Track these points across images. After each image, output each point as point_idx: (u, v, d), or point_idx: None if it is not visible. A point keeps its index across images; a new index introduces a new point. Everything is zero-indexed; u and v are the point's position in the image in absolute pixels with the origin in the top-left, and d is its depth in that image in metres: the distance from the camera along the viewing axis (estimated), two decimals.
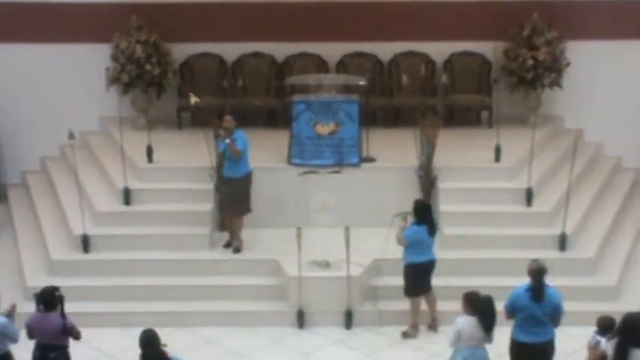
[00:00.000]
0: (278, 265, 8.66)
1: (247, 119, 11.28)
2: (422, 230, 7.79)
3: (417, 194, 9.02)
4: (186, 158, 9.74)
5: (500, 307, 6.85)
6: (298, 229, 8.27)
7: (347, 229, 8.18)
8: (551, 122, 11.01)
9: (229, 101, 10.89)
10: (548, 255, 8.49)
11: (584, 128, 10.49)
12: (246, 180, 8.87)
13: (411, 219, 7.91)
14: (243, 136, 8.82)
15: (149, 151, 9.63)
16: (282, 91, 11.01)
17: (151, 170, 9.54)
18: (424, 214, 7.81)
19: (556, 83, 10.72)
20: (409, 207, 8.04)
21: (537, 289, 6.68)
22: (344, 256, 8.23)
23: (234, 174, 8.78)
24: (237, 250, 8.86)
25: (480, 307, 6.59)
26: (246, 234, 9.16)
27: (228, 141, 8.62)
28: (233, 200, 8.76)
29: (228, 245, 8.95)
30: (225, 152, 8.75)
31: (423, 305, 8.14)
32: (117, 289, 8.60)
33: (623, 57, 10.91)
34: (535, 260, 6.83)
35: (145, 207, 9.24)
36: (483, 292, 8.03)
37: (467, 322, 6.61)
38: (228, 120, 8.75)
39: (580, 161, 9.82)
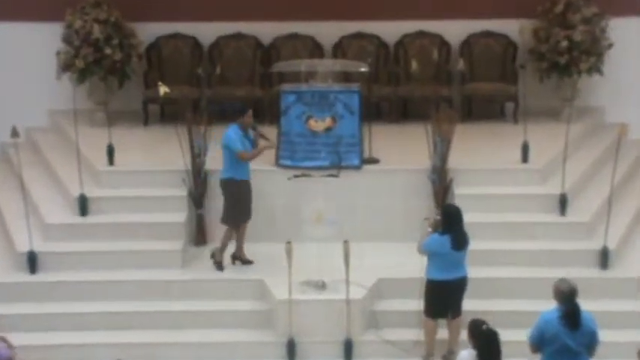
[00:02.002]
0: (264, 287, 8.79)
1: (227, 113, 11.48)
2: (444, 241, 7.88)
3: (429, 201, 9.18)
4: (155, 160, 9.88)
5: (521, 336, 6.96)
6: (288, 243, 8.40)
7: (346, 243, 8.32)
8: (590, 115, 11.20)
9: (206, 92, 11.03)
10: (586, 273, 8.67)
11: (630, 122, 10.59)
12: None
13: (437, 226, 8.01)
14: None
15: (110, 152, 9.76)
16: (268, 80, 11.18)
17: (113, 174, 9.68)
18: (451, 221, 7.91)
19: (595, 69, 10.90)
20: (420, 216, 8.17)
21: (572, 314, 6.75)
22: (343, 276, 8.36)
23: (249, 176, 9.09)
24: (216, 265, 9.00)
25: (477, 340, 6.63)
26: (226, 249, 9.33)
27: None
28: (251, 203, 9.09)
29: (242, 260, 9.09)
30: (253, 147, 8.95)
31: (440, 334, 8.24)
32: (71, 317, 8.69)
33: None
34: (563, 280, 6.93)
35: (105, 218, 9.36)
36: (508, 319, 8.29)
37: (468, 357, 6.61)
38: (251, 115, 8.94)
39: (624, 162, 9.98)
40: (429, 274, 8.00)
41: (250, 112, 8.94)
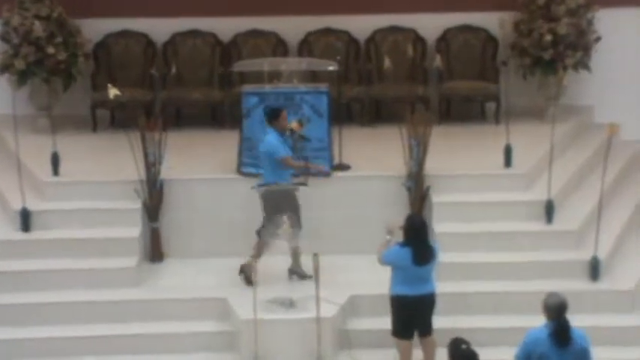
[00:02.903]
0: (227, 306, 8.79)
1: (184, 117, 11.50)
2: (404, 254, 7.91)
3: (404, 210, 9.24)
4: (105, 169, 9.86)
5: (507, 356, 7.03)
6: (252, 258, 8.41)
7: (316, 257, 8.34)
8: (577, 115, 11.32)
9: (160, 94, 11.03)
10: (575, 286, 8.77)
11: (620, 122, 10.72)
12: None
13: (395, 236, 8.06)
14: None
15: (54, 161, 9.73)
16: (228, 81, 11.20)
17: (58, 186, 9.65)
18: (413, 234, 7.94)
19: (582, 64, 11.03)
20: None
21: (561, 331, 6.81)
22: (312, 292, 8.40)
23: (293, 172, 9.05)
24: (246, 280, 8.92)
25: None
26: (185, 265, 9.32)
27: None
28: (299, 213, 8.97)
29: (302, 276, 8.96)
30: (293, 153, 8.96)
31: (419, 354, 8.31)
32: (12, 344, 8.62)
33: None
34: (552, 294, 6.97)
35: (50, 234, 9.33)
36: (492, 336, 8.36)
37: None
38: (286, 116, 8.92)
39: (614, 164, 10.10)
40: (391, 288, 8.05)
41: (284, 113, 8.89)
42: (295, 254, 8.99)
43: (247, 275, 8.88)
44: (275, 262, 8.73)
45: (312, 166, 8.94)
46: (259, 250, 8.91)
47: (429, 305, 8.06)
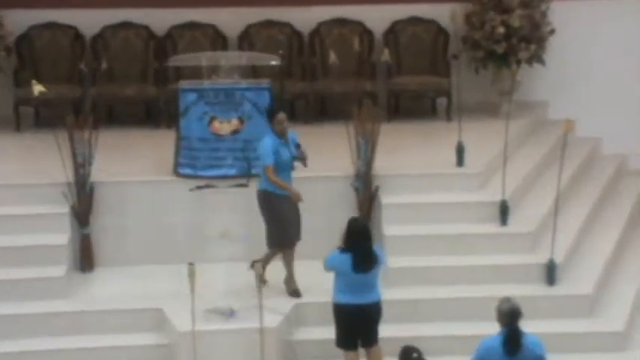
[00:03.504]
0: (163, 317, 8.76)
1: (116, 115, 11.41)
2: (344, 260, 7.88)
3: (352, 212, 9.25)
4: (30, 171, 9.76)
5: None
6: (190, 265, 8.37)
7: (258, 263, 8.34)
8: (531, 111, 11.47)
9: (90, 91, 10.94)
10: (531, 291, 8.86)
11: (577, 118, 10.90)
12: None
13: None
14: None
15: None
16: (163, 77, 11.15)
17: None
18: (353, 239, 7.90)
19: (537, 58, 11.16)
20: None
21: (511, 338, 6.88)
22: (255, 301, 8.39)
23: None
24: (295, 294, 8.86)
25: None
26: (118, 274, 9.26)
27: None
28: (299, 220, 8.83)
29: (296, 293, 8.92)
30: (293, 160, 8.81)
31: None
32: None
33: (626, 20, 11.43)
34: (505, 300, 7.02)
35: None
36: (445, 345, 8.42)
37: None
38: (285, 119, 8.75)
39: (571, 162, 10.26)
40: (333, 296, 8.05)
41: (280, 116, 8.72)
42: (289, 268, 8.95)
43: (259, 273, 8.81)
44: (214, 269, 8.69)
45: (291, 190, 8.66)
46: (267, 258, 8.91)
47: (374, 315, 8.03)
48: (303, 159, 8.87)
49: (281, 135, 8.76)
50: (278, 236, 8.82)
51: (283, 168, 8.76)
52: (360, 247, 7.83)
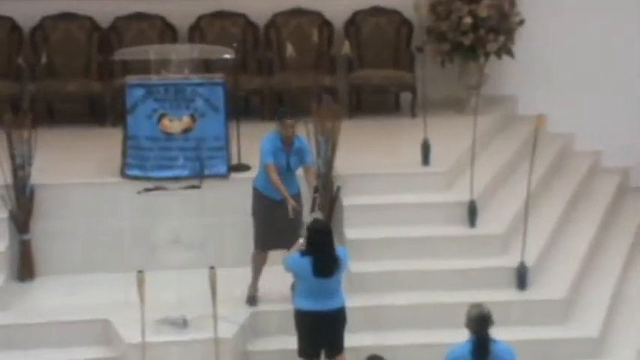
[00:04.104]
0: (110, 328, 8.71)
1: (57, 112, 11.33)
2: (304, 264, 7.88)
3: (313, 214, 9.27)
4: None
5: None
6: (139, 273, 8.34)
7: (212, 270, 8.31)
8: (500, 106, 11.54)
9: (29, 87, 10.85)
10: (501, 296, 8.91)
11: (548, 113, 10.98)
12: (301, 195, 8.90)
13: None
14: (305, 139, 8.85)
15: None
16: (109, 71, 11.09)
17: None
18: (314, 241, 7.89)
19: (505, 50, 11.23)
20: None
21: (479, 346, 6.91)
22: (209, 310, 8.37)
23: (295, 189, 8.77)
24: (250, 301, 8.84)
25: None
26: (60, 283, 9.18)
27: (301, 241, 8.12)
28: (294, 227, 8.65)
29: (256, 300, 8.88)
30: (291, 164, 8.71)
31: None
32: None
33: (599, 9, 11.49)
34: (475, 305, 7.06)
35: None
36: (412, 354, 8.45)
37: None
38: (292, 125, 8.62)
39: (542, 160, 10.32)
40: (294, 301, 8.07)
41: (287, 123, 8.57)
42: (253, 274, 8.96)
43: (249, 294, 8.88)
44: (164, 276, 8.66)
45: (288, 200, 8.53)
46: (254, 267, 8.87)
47: (337, 322, 8.04)
48: (313, 205, 8.60)
49: (285, 141, 8.67)
50: (254, 236, 8.84)
51: (278, 173, 8.68)
52: (320, 250, 7.83)
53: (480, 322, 6.93)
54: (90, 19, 11.30)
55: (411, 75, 11.22)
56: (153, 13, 11.35)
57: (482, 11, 10.99)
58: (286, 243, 8.55)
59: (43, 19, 11.24)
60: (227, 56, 9.99)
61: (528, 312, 8.96)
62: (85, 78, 11.16)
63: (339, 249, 8.04)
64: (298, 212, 8.63)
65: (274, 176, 8.62)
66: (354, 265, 8.97)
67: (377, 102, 11.56)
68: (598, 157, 11.68)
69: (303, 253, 7.88)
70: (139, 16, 11.35)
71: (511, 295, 9.06)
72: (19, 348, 8.62)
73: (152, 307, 8.28)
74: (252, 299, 8.90)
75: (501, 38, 11.09)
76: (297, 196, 8.77)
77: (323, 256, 7.84)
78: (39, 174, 9.42)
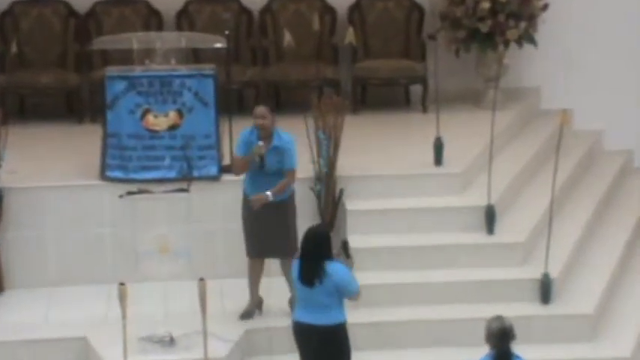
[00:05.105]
0: (89, 347, 8.73)
1: (30, 107, 11.34)
2: (295, 267, 7.94)
3: (313, 220, 9.26)
4: None
5: None
6: (121, 285, 8.35)
7: (202, 282, 8.31)
8: (521, 100, 11.56)
9: None
10: (522, 310, 8.91)
11: (574, 108, 11.04)
12: (293, 202, 8.88)
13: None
14: (292, 141, 8.75)
15: None
16: (87, 62, 11.11)
17: None
18: (303, 247, 7.87)
19: (527, 38, 11.24)
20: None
21: None
22: (198, 327, 8.38)
23: (280, 194, 8.75)
24: (244, 316, 8.84)
25: None
26: (33, 297, 9.20)
27: (261, 143, 8.52)
28: (280, 235, 8.73)
29: (251, 314, 8.90)
30: (265, 162, 8.70)
31: None
32: None
33: None
34: (496, 318, 7.07)
35: None
36: None
37: None
38: (263, 114, 8.64)
39: (568, 160, 10.34)
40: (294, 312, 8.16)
41: (258, 110, 8.62)
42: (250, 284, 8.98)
43: (245, 310, 8.89)
44: (149, 289, 8.68)
45: (256, 198, 8.64)
46: (248, 277, 8.88)
47: (326, 341, 7.94)
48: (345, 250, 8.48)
49: (261, 135, 8.66)
50: (248, 244, 8.89)
51: (252, 171, 8.73)
52: (305, 256, 7.88)
53: (500, 336, 6.95)
54: (65, 3, 11.33)
55: (423, 65, 11.25)
56: None
57: None
58: (276, 250, 8.59)
59: (13, 3, 11.28)
60: (218, 45, 9.98)
61: (553, 328, 8.97)
62: (60, 69, 11.18)
63: (334, 265, 7.96)
64: (259, 202, 8.57)
65: (235, 170, 8.71)
66: (358, 277, 8.93)
67: (384, 95, 11.58)
68: (630, 156, 11.71)
69: (299, 257, 7.95)
70: (121, 1, 11.38)
71: (534, 309, 9.07)
72: None
73: (135, 323, 8.27)
74: (246, 314, 8.92)
75: (522, 24, 11.11)
76: (283, 203, 8.74)
77: (307, 263, 7.87)
78: (9, 176, 9.44)
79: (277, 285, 8.45)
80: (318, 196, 9.51)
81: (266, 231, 8.75)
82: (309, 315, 7.94)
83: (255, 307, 8.95)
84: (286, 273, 8.81)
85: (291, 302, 8.83)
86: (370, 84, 11.48)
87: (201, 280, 8.24)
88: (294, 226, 8.84)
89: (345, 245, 8.26)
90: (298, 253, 8.05)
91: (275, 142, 8.70)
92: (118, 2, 11.37)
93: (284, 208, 8.76)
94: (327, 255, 7.93)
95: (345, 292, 7.86)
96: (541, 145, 10.76)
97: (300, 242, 7.95)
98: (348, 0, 11.53)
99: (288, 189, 8.79)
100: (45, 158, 10.11)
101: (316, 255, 7.90)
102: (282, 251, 8.76)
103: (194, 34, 10.93)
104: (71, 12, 11.36)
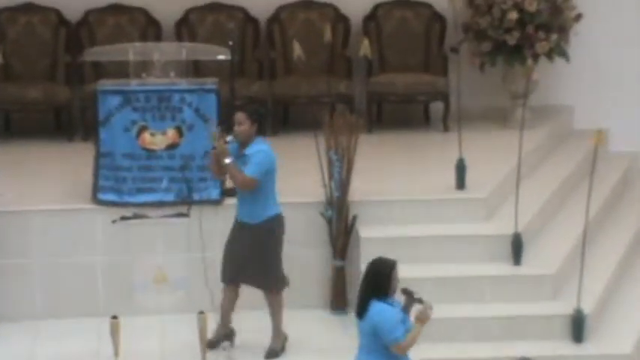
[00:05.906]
0: None
1: (16, 124, 11.36)
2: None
3: (323, 248, 9.33)
4: None
5: None
6: (114, 318, 8.36)
7: (201, 315, 8.33)
8: (552, 119, 11.55)
9: None
10: (553, 349, 8.91)
11: (609, 127, 11.01)
12: (272, 230, 8.80)
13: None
14: (265, 150, 8.70)
15: None
16: (78, 74, 11.13)
17: None
18: (363, 276, 7.73)
19: (558, 51, 11.26)
20: (316, 268, 8.19)
21: None
22: None
23: (251, 217, 8.73)
24: (273, 355, 8.78)
25: None
26: (19, 331, 9.20)
27: (228, 161, 8.48)
28: (254, 261, 8.69)
29: (215, 344, 8.81)
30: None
31: None
32: None
33: None
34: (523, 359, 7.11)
35: None
36: None
37: None
38: (240, 120, 8.65)
39: (603, 185, 10.35)
40: None
41: (236, 115, 8.64)
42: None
43: (273, 349, 8.82)
44: (144, 323, 8.67)
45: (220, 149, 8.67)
46: (221, 304, 8.86)
47: None
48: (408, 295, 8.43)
49: (236, 140, 8.68)
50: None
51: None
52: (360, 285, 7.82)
53: None
54: (56, 11, 11.36)
55: (444, 80, 11.27)
56: (133, 5, 11.40)
57: (531, 4, 11.00)
58: (251, 280, 8.64)
59: (0, 11, 11.30)
60: (221, 57, 10.01)
61: None
62: (49, 82, 11.21)
63: (380, 306, 7.87)
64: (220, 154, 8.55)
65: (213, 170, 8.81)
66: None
67: (402, 113, 11.60)
68: None
69: None
70: (116, 9, 11.40)
71: (565, 348, 9.03)
72: None
73: (129, 358, 8.28)
74: (210, 343, 8.69)
75: (553, 37, 11.11)
76: (257, 227, 8.66)
77: (358, 294, 7.79)
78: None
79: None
80: (329, 223, 9.51)
81: (238, 255, 8.72)
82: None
83: (222, 337, 8.85)
84: (271, 312, 8.78)
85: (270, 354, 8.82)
86: (387, 100, 11.49)
87: (201, 313, 8.26)
88: (274, 256, 8.75)
89: (406, 291, 8.17)
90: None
91: (247, 150, 8.66)
92: (113, 10, 11.39)
93: (258, 233, 8.69)
94: (376, 292, 7.87)
95: (382, 338, 7.79)
96: (573, 168, 10.75)
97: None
98: (363, 9, 11.55)
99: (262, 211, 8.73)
100: (32, 179, 10.12)
101: (363, 287, 7.88)
102: (258, 282, 8.72)
103: (195, 45, 10.96)
104: (62, 20, 11.38)
